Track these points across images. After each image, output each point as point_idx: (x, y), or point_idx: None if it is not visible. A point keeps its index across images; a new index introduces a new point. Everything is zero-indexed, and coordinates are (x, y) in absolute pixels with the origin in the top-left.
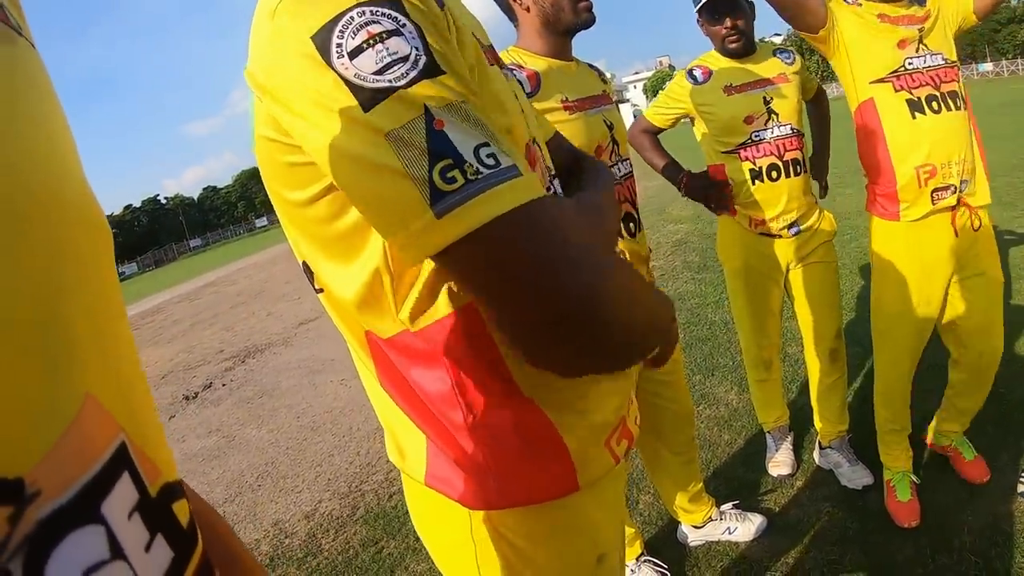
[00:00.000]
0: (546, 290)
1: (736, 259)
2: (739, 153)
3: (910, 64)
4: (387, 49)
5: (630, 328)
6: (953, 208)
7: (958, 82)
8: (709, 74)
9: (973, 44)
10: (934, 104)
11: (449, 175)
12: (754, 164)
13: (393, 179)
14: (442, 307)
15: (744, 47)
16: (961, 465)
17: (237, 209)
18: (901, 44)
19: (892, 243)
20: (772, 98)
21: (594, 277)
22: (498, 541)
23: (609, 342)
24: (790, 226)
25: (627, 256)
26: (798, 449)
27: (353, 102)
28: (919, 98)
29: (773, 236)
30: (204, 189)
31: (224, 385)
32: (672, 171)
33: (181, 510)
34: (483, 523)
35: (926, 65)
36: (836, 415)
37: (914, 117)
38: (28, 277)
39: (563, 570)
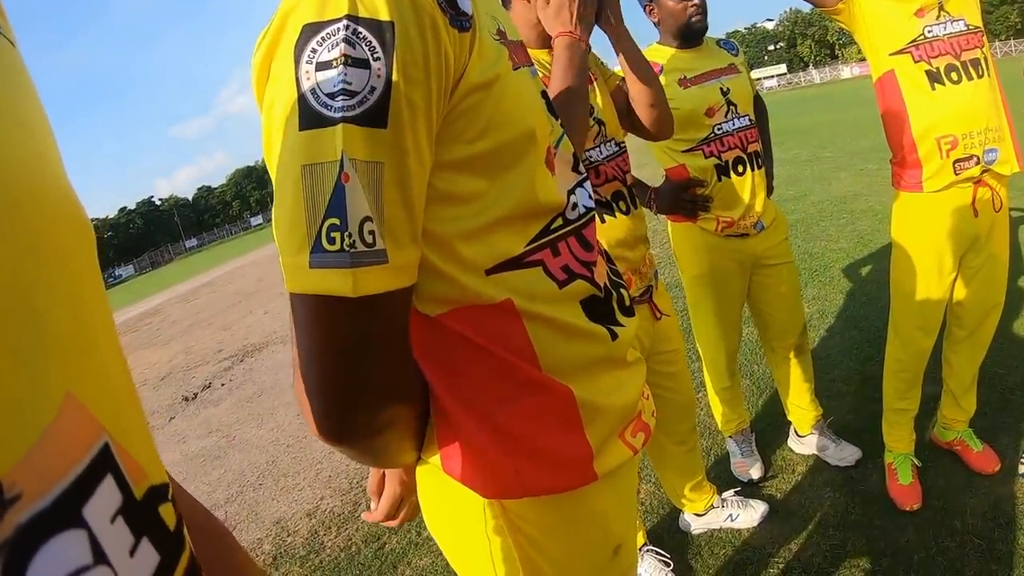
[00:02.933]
0: (312, 382)
1: (699, 265)
2: (703, 149)
3: (929, 32)
4: (345, 77)
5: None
6: (976, 181)
7: (982, 48)
8: (660, 69)
9: None
10: (953, 75)
11: (332, 235)
12: (720, 159)
13: (296, 206)
14: (468, 295)
15: (704, 28)
16: (970, 457)
17: (232, 208)
18: (919, 13)
19: (914, 215)
20: (729, 88)
21: (335, 418)
22: (515, 533)
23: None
24: (756, 223)
25: (623, 233)
26: (761, 448)
27: (297, 113)
28: (938, 69)
29: (740, 236)
30: (198, 189)
31: (223, 385)
32: (639, 192)
33: (168, 513)
34: (499, 514)
35: (947, 32)
36: (810, 403)
37: (933, 88)
38: (1, 270)
39: (581, 562)
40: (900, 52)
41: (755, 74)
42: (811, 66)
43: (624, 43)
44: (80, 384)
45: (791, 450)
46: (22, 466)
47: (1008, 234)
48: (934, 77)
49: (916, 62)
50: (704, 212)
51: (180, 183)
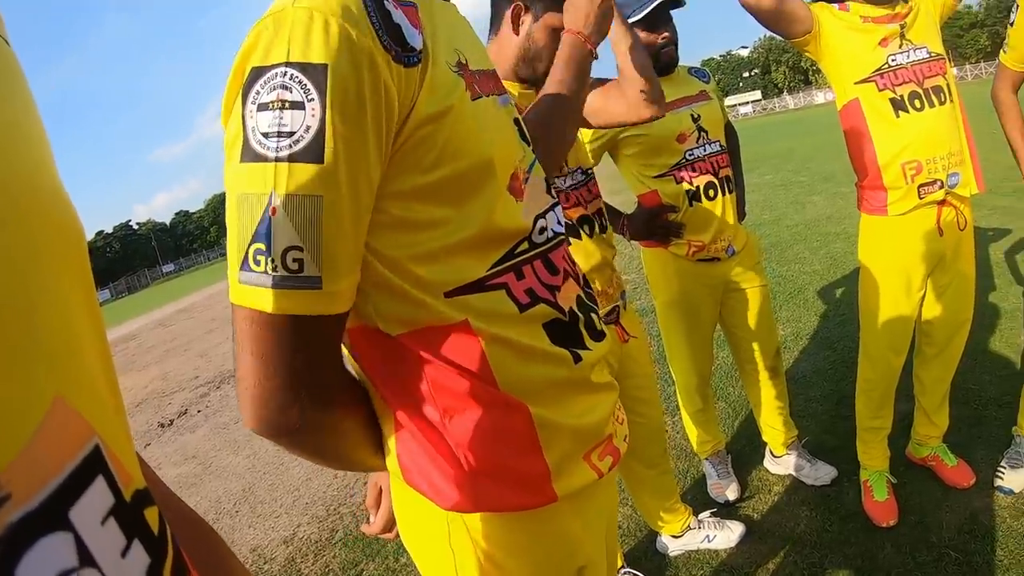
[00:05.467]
0: (247, 392)
1: (671, 290)
2: (674, 175)
3: (893, 61)
4: (281, 119)
5: (299, 451)
6: (940, 203)
7: (943, 75)
8: None
9: None
10: (916, 102)
11: (258, 258)
12: (691, 185)
13: (233, 227)
14: (427, 316)
15: (675, 60)
16: (945, 472)
17: (210, 234)
18: (883, 42)
19: (879, 237)
20: (700, 115)
21: (272, 421)
22: (475, 548)
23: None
24: (727, 248)
25: (587, 256)
26: (738, 469)
27: (240, 146)
28: (902, 96)
29: (711, 260)
30: (176, 214)
31: (199, 412)
32: (611, 218)
33: (152, 516)
34: (460, 528)
35: (910, 60)
36: (785, 424)
37: (897, 116)
38: None
39: None
40: (865, 81)
41: (730, 100)
42: (785, 92)
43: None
44: (70, 387)
45: (767, 470)
46: (14, 466)
47: (974, 252)
48: (898, 104)
49: (880, 90)
50: (676, 238)
51: (158, 207)
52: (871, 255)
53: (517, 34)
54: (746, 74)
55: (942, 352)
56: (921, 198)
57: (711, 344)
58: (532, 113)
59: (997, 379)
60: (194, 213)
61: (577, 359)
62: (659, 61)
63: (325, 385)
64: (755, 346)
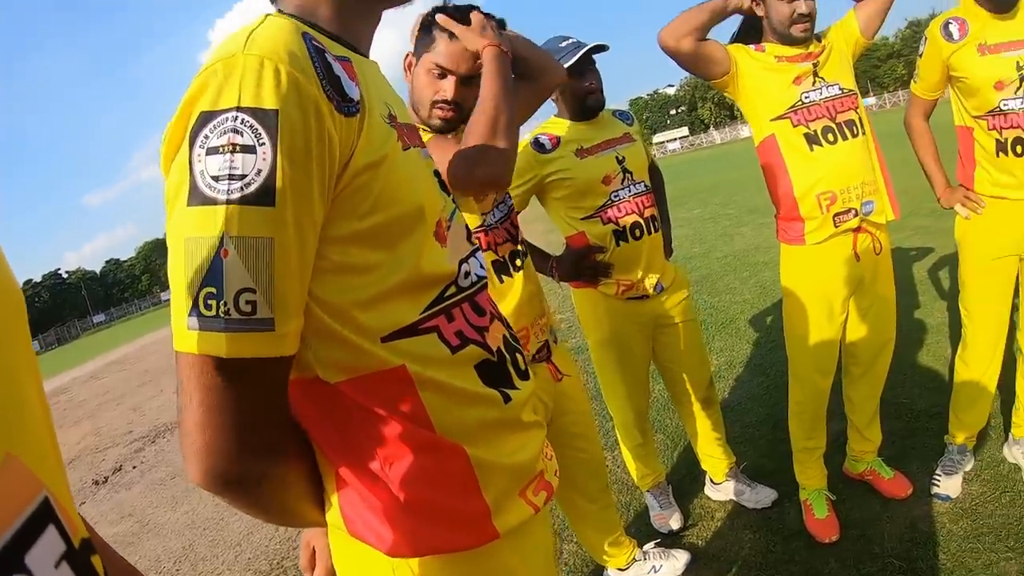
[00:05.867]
0: (194, 445)
1: (603, 329)
2: (601, 216)
3: (807, 98)
4: (232, 163)
5: (244, 504)
6: (856, 230)
7: (856, 110)
8: (557, 141)
9: (856, 79)
10: (830, 136)
11: (209, 302)
12: (617, 225)
13: (181, 272)
14: (365, 362)
15: (601, 105)
16: (882, 485)
17: (141, 282)
18: (797, 80)
19: (799, 266)
20: (624, 157)
21: (220, 474)
22: None
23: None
24: (656, 285)
25: (519, 292)
26: (680, 498)
27: (187, 190)
28: (815, 131)
29: (641, 298)
30: (106, 262)
31: (135, 467)
32: (540, 260)
33: (97, 564)
34: (406, 573)
35: (823, 97)
36: (723, 452)
37: (811, 149)
38: None
39: None
40: (780, 118)
41: (658, 137)
42: (712, 127)
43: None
44: (20, 444)
45: (708, 498)
46: None
47: (892, 275)
48: (812, 139)
49: (795, 126)
50: (605, 277)
51: (88, 255)
52: (793, 283)
53: (409, 81)
54: (673, 111)
55: (868, 371)
56: (837, 227)
57: (646, 379)
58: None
59: (927, 392)
60: (125, 261)
61: (507, 399)
62: (586, 106)
63: (273, 434)
64: (688, 379)
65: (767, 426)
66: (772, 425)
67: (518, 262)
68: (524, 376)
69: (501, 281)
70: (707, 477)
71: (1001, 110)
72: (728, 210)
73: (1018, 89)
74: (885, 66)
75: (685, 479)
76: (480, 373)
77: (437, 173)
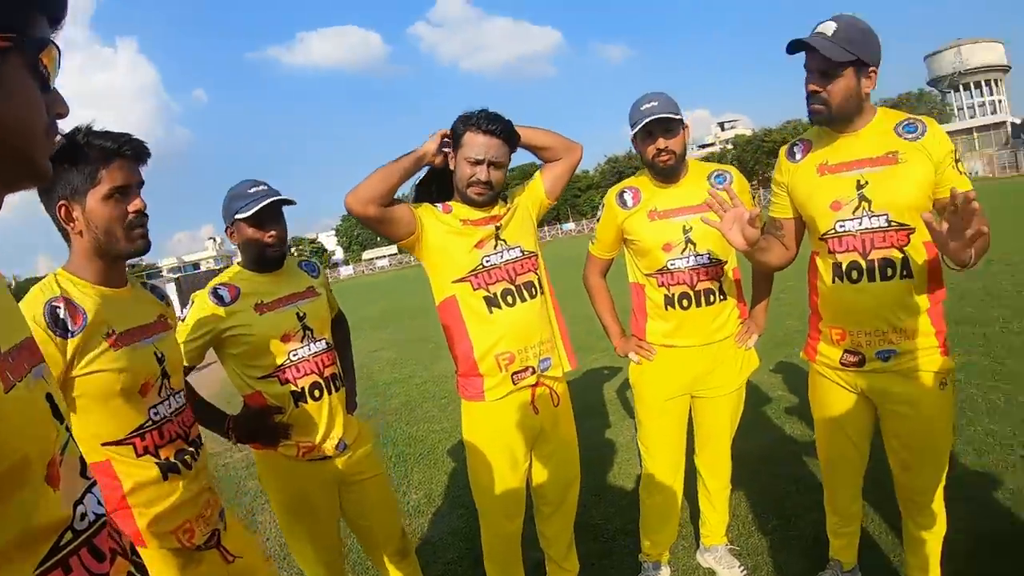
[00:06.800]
0: None
1: (285, 491)
2: (278, 376)
3: (488, 262)
4: None
5: None
6: (533, 386)
7: (535, 271)
8: (237, 293)
9: (558, 208)
10: (509, 298)
11: None
12: (296, 386)
13: None
14: None
15: (282, 256)
16: None
17: None
18: (479, 244)
19: (480, 421)
20: (306, 313)
21: None
22: None
23: None
24: (337, 444)
25: (185, 492)
26: None
27: None
28: (495, 294)
29: (323, 459)
30: None
31: None
32: (215, 419)
33: None
34: None
35: (503, 260)
36: None
37: (491, 312)
38: None
39: None
40: (461, 280)
41: (367, 254)
42: None
43: None
44: None
45: None
46: None
47: (572, 419)
48: (491, 302)
49: (475, 289)
50: (284, 439)
51: None
52: (475, 438)
53: (81, 235)
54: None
55: (558, 509)
56: (515, 384)
57: (336, 539)
58: None
59: (620, 509)
60: None
61: None
62: (266, 257)
63: None
64: (379, 533)
65: (467, 563)
66: (473, 561)
67: (188, 458)
68: None
69: (166, 478)
70: None
71: (668, 268)
72: (433, 332)
73: (684, 250)
74: (585, 195)
75: None
76: None
77: (49, 397)
